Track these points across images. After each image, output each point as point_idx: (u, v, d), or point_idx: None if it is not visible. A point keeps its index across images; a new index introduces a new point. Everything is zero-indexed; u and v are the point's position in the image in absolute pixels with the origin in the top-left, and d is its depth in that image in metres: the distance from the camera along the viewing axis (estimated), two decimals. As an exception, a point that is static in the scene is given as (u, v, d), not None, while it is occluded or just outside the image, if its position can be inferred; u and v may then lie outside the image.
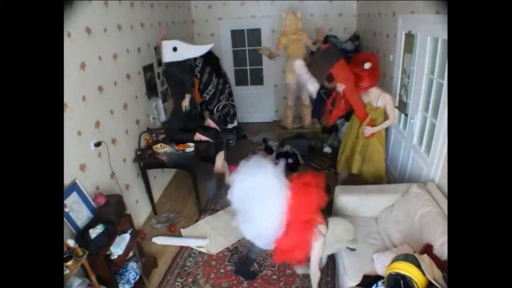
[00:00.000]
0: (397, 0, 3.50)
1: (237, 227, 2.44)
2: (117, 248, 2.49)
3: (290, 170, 3.89)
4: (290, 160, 4.29)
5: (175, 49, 3.48)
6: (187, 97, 3.60)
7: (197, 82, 5.31)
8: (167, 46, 3.52)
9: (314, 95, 3.31)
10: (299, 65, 3.09)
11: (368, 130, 3.13)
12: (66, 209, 2.28)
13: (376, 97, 3.09)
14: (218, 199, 2.92)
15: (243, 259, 2.87)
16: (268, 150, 4.01)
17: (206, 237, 3.27)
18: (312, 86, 3.09)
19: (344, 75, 3.01)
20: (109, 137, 2.96)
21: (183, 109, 3.61)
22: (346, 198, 2.85)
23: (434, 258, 1.96)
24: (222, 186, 3.11)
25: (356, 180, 3.47)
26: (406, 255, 1.92)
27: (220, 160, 3.32)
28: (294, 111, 4.89)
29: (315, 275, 2.39)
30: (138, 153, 3.46)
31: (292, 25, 4.35)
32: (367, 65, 2.92)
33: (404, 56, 3.48)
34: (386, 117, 3.18)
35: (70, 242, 2.07)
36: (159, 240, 3.24)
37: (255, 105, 6.43)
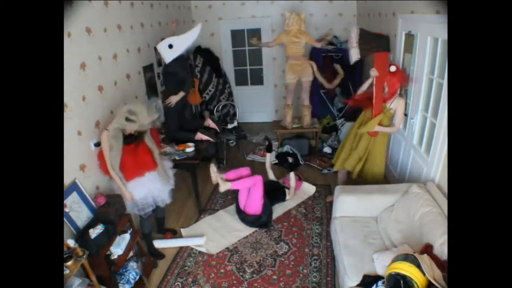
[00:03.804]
0: (397, 0, 3.50)
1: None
2: (117, 248, 2.49)
3: (290, 169, 3.90)
4: (290, 160, 4.27)
5: (170, 46, 3.45)
6: (180, 94, 3.59)
7: (197, 82, 5.31)
8: (162, 47, 3.49)
9: (352, 62, 3.41)
10: (355, 31, 3.22)
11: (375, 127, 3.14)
12: (66, 209, 2.28)
13: (391, 99, 3.11)
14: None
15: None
16: (268, 148, 3.96)
17: (203, 235, 3.28)
18: (354, 54, 3.27)
19: (382, 65, 3.11)
20: (109, 137, 2.96)
21: (168, 103, 3.59)
22: (346, 198, 2.85)
23: (434, 258, 1.96)
24: None
25: (356, 180, 3.46)
26: (406, 255, 1.92)
27: (213, 173, 3.30)
28: (294, 111, 4.88)
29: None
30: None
31: (295, 25, 4.30)
32: (392, 68, 3.04)
33: (404, 56, 3.48)
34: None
35: (70, 242, 2.07)
36: (158, 244, 3.21)
37: (255, 105, 6.43)
